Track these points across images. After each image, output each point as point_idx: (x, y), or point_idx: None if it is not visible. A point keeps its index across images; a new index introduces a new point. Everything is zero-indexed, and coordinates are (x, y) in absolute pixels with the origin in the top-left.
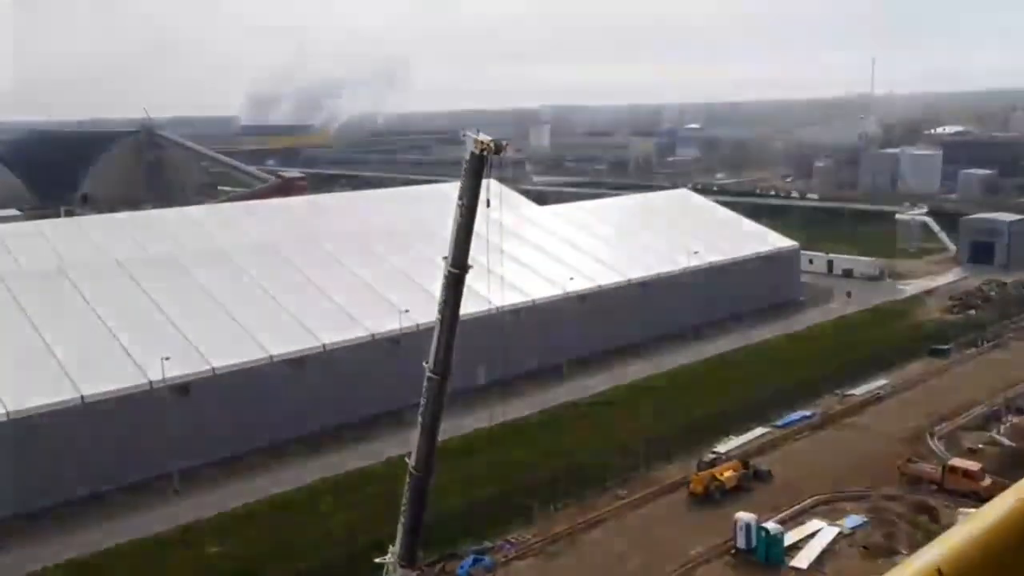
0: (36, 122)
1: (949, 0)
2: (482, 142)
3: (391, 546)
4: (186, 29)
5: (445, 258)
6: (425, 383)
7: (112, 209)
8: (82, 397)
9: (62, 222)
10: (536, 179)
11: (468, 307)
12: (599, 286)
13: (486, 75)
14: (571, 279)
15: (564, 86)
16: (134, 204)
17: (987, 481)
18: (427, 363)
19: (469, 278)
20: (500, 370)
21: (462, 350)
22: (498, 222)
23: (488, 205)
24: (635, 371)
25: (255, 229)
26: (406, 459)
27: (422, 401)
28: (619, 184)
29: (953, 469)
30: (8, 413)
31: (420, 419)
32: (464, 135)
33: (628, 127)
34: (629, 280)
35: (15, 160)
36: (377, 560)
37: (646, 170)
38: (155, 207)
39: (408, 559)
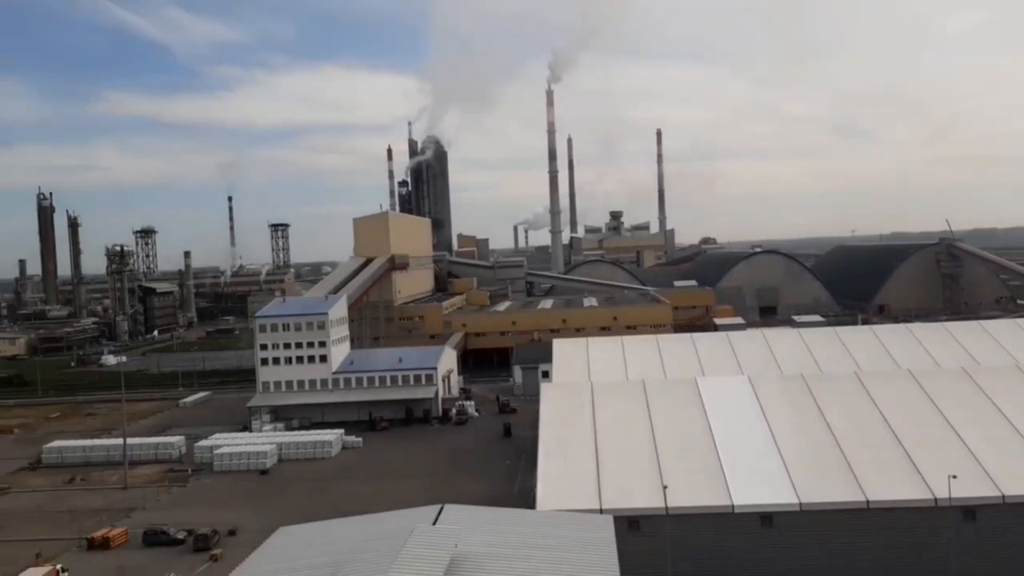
0: (842, 237)
1: None
2: None
3: None
4: None
5: None
6: None
7: (906, 319)
8: (867, 501)
9: (858, 329)
10: None
11: None
12: None
13: None
14: None
15: None
16: (928, 315)
17: None
18: None
19: None
20: None
21: None
22: None
23: None
24: None
25: None
26: None
27: None
28: None
29: None
30: (801, 504)
31: None
32: None
33: None
34: None
35: (822, 271)
36: None
37: None
38: (948, 319)
39: None
